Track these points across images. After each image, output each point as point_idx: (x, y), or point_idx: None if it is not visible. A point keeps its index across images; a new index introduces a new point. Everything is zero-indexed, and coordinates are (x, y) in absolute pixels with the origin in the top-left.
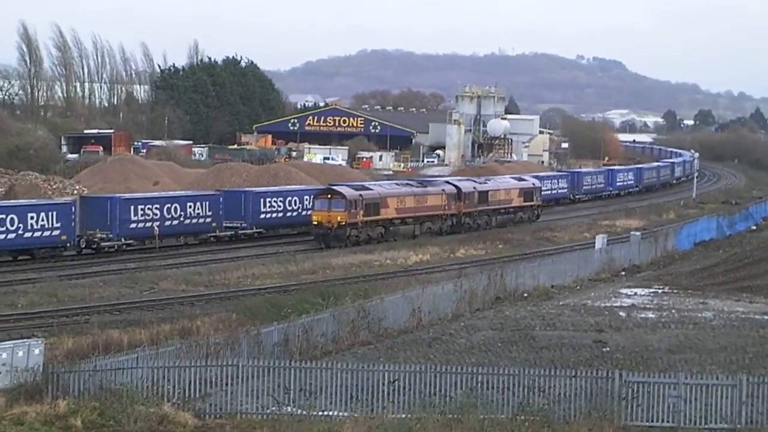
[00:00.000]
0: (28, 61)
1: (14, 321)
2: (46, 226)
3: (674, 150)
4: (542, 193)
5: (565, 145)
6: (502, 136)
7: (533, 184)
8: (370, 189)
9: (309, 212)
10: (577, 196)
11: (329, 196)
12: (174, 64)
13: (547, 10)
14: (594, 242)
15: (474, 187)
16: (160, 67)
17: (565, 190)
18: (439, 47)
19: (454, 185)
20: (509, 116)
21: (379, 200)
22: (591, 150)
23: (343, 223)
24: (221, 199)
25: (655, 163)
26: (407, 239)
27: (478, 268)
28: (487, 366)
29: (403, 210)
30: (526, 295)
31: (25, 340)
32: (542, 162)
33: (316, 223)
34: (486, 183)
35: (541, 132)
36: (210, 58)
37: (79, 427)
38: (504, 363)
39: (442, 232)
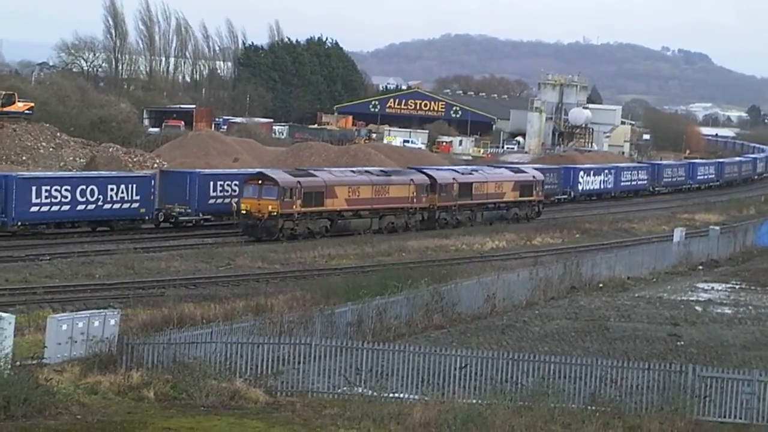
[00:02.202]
0: (113, 34)
1: (91, 291)
2: (126, 198)
3: (757, 145)
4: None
5: (646, 136)
6: (583, 126)
7: (533, 177)
8: (314, 175)
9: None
10: (656, 189)
11: (260, 181)
12: (252, 42)
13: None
14: (672, 235)
15: (453, 178)
16: (244, 43)
17: (645, 182)
18: (523, 34)
19: (427, 175)
20: (591, 106)
21: (324, 189)
22: (672, 142)
23: (275, 213)
24: None
25: (737, 158)
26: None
27: (554, 256)
28: (559, 355)
29: (355, 201)
30: (601, 285)
31: (101, 310)
32: (623, 153)
33: (244, 212)
34: (471, 174)
35: (622, 123)
36: (289, 39)
37: (152, 399)
38: (577, 353)
39: (409, 228)
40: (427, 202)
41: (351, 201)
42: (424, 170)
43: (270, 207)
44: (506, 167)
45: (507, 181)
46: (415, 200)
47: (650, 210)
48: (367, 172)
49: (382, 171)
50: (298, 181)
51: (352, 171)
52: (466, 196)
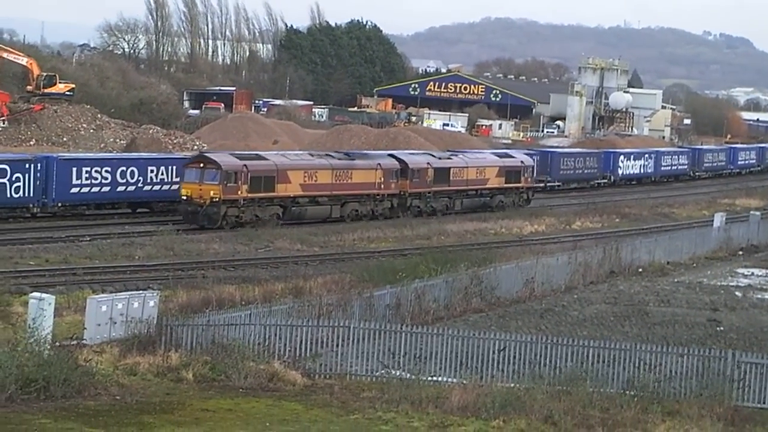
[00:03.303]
0: (155, 16)
1: (131, 272)
2: (166, 180)
3: None
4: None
5: (687, 121)
6: (624, 110)
7: (521, 162)
8: (264, 159)
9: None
10: (697, 173)
11: (201, 165)
12: (293, 25)
13: None
14: (712, 220)
15: (428, 163)
16: (286, 25)
17: (686, 167)
18: (564, 17)
19: (397, 159)
20: (632, 90)
21: (275, 173)
22: (713, 127)
23: (217, 199)
24: None
25: None
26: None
27: (594, 241)
28: (598, 339)
29: (312, 187)
30: (641, 270)
31: (140, 291)
32: (663, 137)
33: (185, 197)
34: (449, 159)
35: (663, 107)
36: (328, 22)
37: (191, 380)
38: (615, 337)
39: (376, 217)
40: (397, 189)
41: (307, 186)
42: (395, 154)
43: (212, 192)
44: (492, 152)
45: (490, 166)
46: (382, 186)
47: (690, 195)
48: (327, 155)
49: (345, 155)
50: (245, 165)
51: (310, 154)
52: (442, 182)
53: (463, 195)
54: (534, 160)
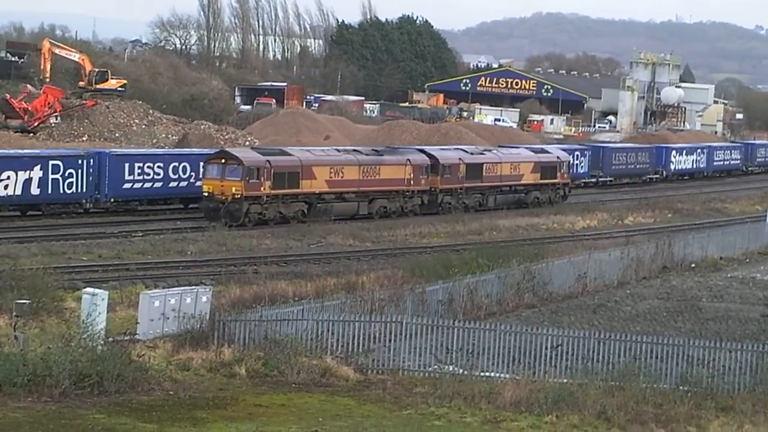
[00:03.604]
0: (207, 11)
1: (183, 268)
2: None
3: None
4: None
5: (739, 116)
6: (676, 105)
7: (557, 157)
8: (288, 155)
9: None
10: (750, 168)
11: (223, 161)
12: (344, 20)
13: None
14: (765, 215)
15: (460, 159)
16: (338, 20)
17: (738, 162)
18: (616, 12)
19: (428, 155)
20: (683, 85)
21: (300, 169)
22: (766, 122)
23: (239, 196)
24: None
25: None
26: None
27: (646, 236)
28: (651, 335)
29: (338, 183)
30: (693, 265)
31: (193, 287)
32: (715, 132)
33: (206, 194)
34: (482, 154)
35: (715, 102)
36: (378, 17)
37: (243, 376)
38: (668, 333)
39: (406, 213)
40: (427, 185)
41: (333, 183)
42: (425, 150)
43: (234, 189)
44: (528, 147)
45: (525, 162)
46: (412, 182)
47: (743, 190)
48: (355, 151)
49: (373, 150)
50: (268, 161)
51: (337, 150)
52: (474, 178)
53: (496, 191)
54: (586, 155)
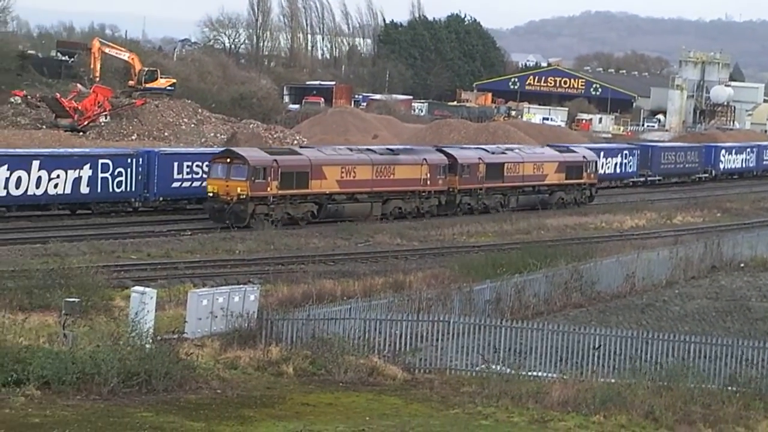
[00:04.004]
0: (256, 11)
1: (231, 266)
2: None
3: None
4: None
5: None
6: (725, 104)
7: (584, 157)
8: (297, 154)
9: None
10: None
11: (228, 160)
12: (393, 19)
13: None
14: None
15: (480, 158)
16: (385, 20)
17: None
18: (665, 11)
19: (446, 154)
20: (733, 83)
21: (309, 169)
22: None
23: (244, 196)
24: None
25: None
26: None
27: (695, 235)
28: (699, 335)
29: (350, 183)
30: (743, 265)
31: (241, 285)
32: (765, 131)
33: (211, 194)
34: (504, 153)
35: (765, 101)
36: (427, 17)
37: (291, 374)
38: (717, 333)
39: (423, 214)
40: (445, 185)
41: (344, 183)
42: (444, 149)
43: (239, 189)
44: (553, 146)
45: (549, 161)
46: (429, 182)
47: None
48: (368, 150)
49: (387, 149)
50: (275, 160)
51: (350, 149)
52: (495, 178)
53: (518, 191)
54: (635, 154)
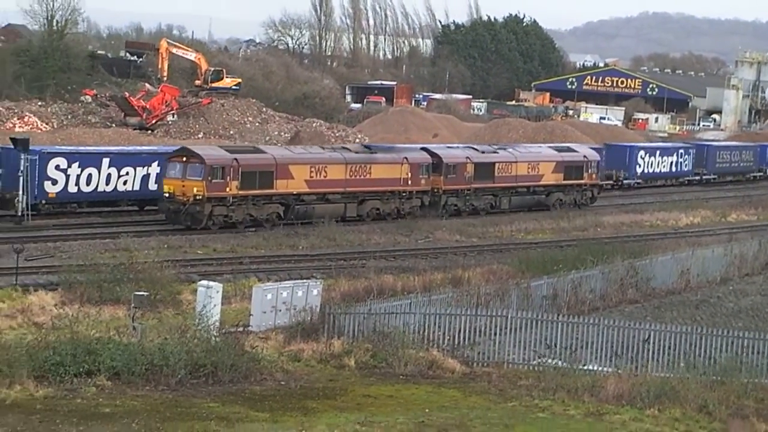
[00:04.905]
0: (319, 12)
1: (295, 262)
2: None
3: None
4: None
5: None
6: None
7: (584, 156)
8: (261, 152)
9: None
10: None
11: (184, 159)
12: (454, 20)
13: None
14: None
15: (467, 157)
16: (440, 22)
17: None
18: (721, 11)
19: (430, 153)
20: None
21: (274, 168)
22: None
23: (200, 197)
24: None
25: None
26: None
27: (749, 233)
28: (753, 331)
29: (319, 183)
30: None
31: (304, 280)
32: None
33: (167, 195)
34: (495, 153)
35: None
36: (489, 17)
37: (352, 367)
38: None
39: (403, 215)
40: (428, 185)
41: (313, 183)
42: (428, 148)
43: (195, 189)
44: (551, 146)
45: (546, 161)
46: (410, 182)
47: None
48: (343, 148)
49: (366, 147)
50: (235, 159)
51: (322, 148)
52: (484, 179)
53: (511, 192)
54: (690, 153)
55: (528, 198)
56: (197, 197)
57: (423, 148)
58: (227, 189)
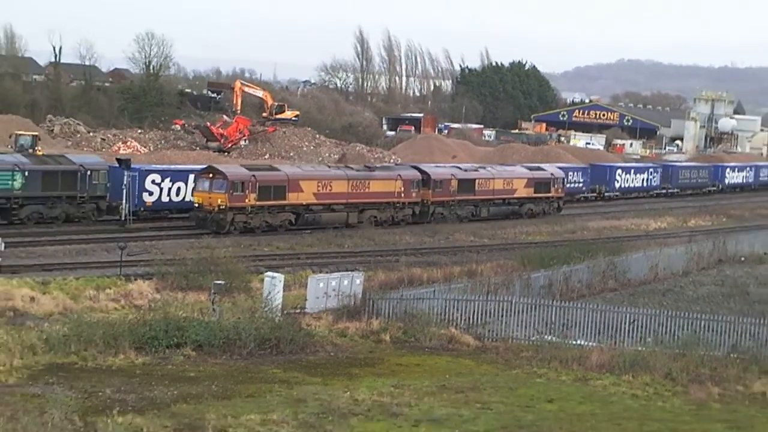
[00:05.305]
0: (361, 58)
1: (342, 257)
2: None
3: None
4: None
5: None
6: (730, 132)
7: (551, 174)
8: (276, 170)
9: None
10: None
11: (211, 175)
12: (467, 66)
13: None
14: None
15: (452, 175)
16: (461, 66)
17: None
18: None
19: (420, 171)
20: (736, 116)
21: (286, 183)
22: None
23: (224, 206)
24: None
25: None
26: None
27: (705, 235)
28: (708, 313)
29: (326, 195)
30: (743, 259)
31: (349, 272)
32: (761, 154)
33: (197, 205)
34: (476, 171)
35: (762, 130)
36: (497, 63)
37: (388, 342)
38: (722, 312)
39: (397, 222)
40: (419, 197)
41: (320, 195)
42: (419, 167)
43: (219, 200)
44: (523, 165)
45: (519, 178)
46: (402, 195)
47: None
48: (346, 167)
49: (365, 167)
50: (253, 175)
51: (327, 166)
52: (467, 192)
53: (489, 203)
54: (658, 171)
55: (504, 208)
56: (221, 207)
57: (414, 167)
58: (246, 200)
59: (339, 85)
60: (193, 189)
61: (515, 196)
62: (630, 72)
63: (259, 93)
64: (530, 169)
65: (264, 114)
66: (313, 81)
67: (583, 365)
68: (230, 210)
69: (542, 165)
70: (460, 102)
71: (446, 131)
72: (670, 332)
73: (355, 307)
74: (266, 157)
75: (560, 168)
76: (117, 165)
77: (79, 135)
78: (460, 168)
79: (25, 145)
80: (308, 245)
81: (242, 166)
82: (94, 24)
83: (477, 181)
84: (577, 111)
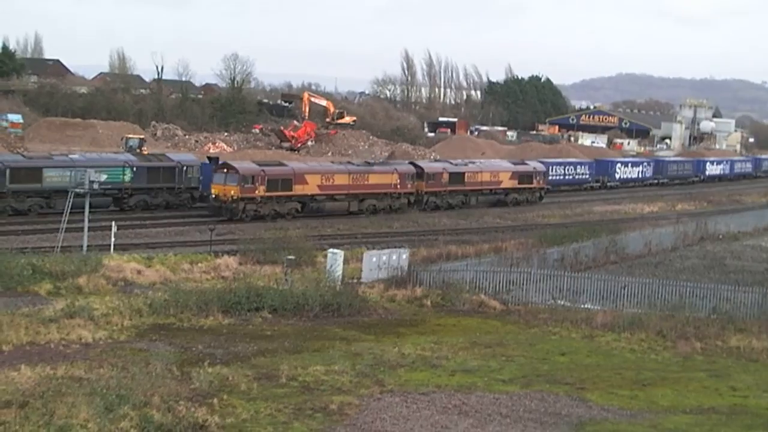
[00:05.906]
0: (407, 73)
1: (391, 237)
2: None
3: None
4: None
5: (751, 140)
6: (709, 132)
7: (534, 168)
8: (283, 165)
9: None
10: (758, 174)
11: (225, 170)
12: (490, 79)
13: (743, 42)
14: None
15: (444, 168)
16: (488, 79)
17: (750, 170)
18: (670, 72)
19: (415, 166)
20: (715, 119)
21: (292, 176)
22: None
23: (236, 197)
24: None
25: None
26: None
27: (690, 217)
28: (692, 282)
29: (329, 187)
30: (720, 237)
31: (397, 249)
32: (735, 150)
33: (214, 196)
34: (466, 165)
35: (735, 131)
36: (518, 76)
37: (429, 306)
38: (704, 280)
39: (394, 210)
40: (413, 189)
41: (324, 187)
42: (414, 162)
43: (232, 192)
44: (509, 161)
45: (504, 171)
46: (399, 186)
47: (754, 188)
48: (348, 163)
49: (365, 162)
50: (263, 170)
51: (331, 162)
52: (457, 184)
53: (477, 194)
54: (651, 165)
55: (490, 197)
56: (233, 198)
57: (410, 162)
58: (256, 192)
59: (389, 95)
60: (211, 182)
61: (501, 187)
62: (627, 83)
63: (323, 102)
64: (514, 163)
65: (327, 119)
66: (367, 92)
67: (590, 325)
68: (242, 200)
69: (526, 160)
70: (487, 108)
71: (476, 133)
72: (661, 297)
73: (401, 277)
74: (329, 155)
75: (570, 162)
76: (207, 162)
77: (177, 137)
78: (452, 163)
79: (134, 146)
80: (363, 227)
81: (254, 162)
82: (190, 47)
83: (466, 174)
84: (583, 115)
